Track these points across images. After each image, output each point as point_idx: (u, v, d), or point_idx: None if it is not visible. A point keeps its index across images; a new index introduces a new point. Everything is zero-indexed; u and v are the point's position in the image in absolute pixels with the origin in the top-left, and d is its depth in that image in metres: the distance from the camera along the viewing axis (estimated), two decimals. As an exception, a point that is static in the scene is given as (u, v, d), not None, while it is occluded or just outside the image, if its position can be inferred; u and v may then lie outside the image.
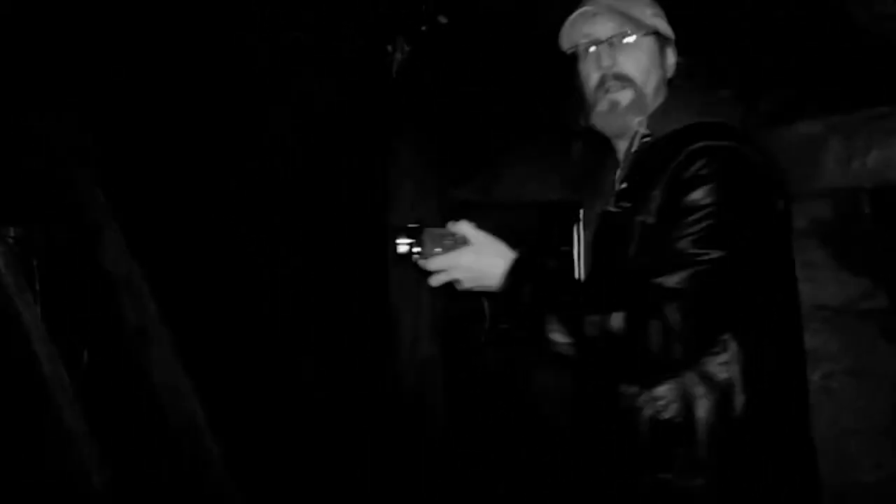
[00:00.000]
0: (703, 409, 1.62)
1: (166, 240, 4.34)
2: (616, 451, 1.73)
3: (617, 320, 1.53)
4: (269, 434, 4.27)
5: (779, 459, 1.67)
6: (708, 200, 1.57)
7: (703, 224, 1.55)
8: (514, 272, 1.66)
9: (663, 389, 1.63)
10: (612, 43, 1.80)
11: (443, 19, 4.55)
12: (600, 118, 1.83)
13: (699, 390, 1.62)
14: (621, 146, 1.87)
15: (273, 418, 4.31)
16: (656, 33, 1.83)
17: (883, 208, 2.82)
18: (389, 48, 4.69)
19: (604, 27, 1.80)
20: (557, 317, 1.60)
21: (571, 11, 1.94)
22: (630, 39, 1.80)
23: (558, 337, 1.61)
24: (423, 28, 4.62)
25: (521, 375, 3.95)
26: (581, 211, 1.92)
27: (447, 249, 1.69)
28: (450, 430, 4.34)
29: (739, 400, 1.62)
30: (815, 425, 2.85)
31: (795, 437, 1.73)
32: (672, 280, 1.52)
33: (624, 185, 1.77)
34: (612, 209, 1.77)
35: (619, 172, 1.84)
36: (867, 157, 2.71)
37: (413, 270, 1.75)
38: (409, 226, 1.72)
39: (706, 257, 1.53)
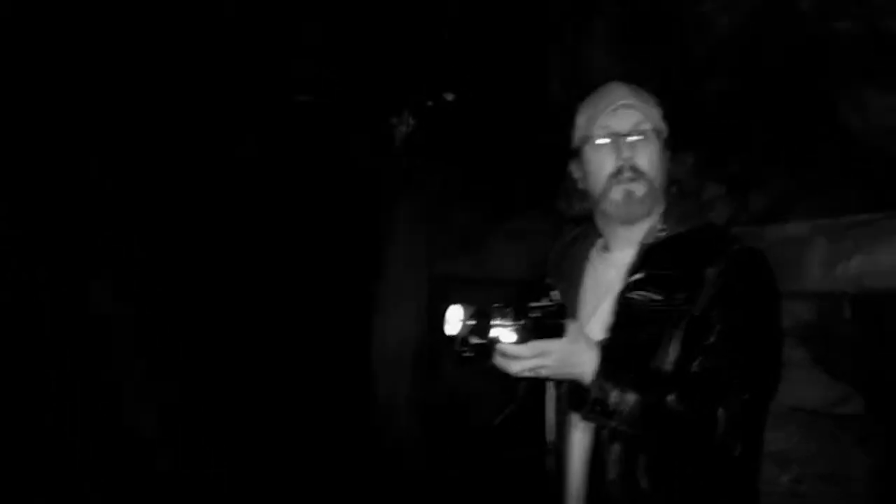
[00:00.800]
0: None
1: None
2: None
3: (691, 407, 1.66)
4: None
5: None
6: (762, 303, 1.79)
7: (762, 325, 1.77)
8: (608, 364, 1.67)
9: None
10: (631, 137, 1.89)
11: (449, 96, 4.64)
12: (614, 206, 1.90)
13: None
14: (628, 236, 1.94)
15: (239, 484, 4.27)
16: (661, 133, 1.94)
17: (863, 315, 2.83)
18: (394, 120, 4.77)
19: (624, 121, 1.90)
20: (642, 402, 1.66)
21: (566, 97, 2.03)
22: (646, 135, 1.90)
23: (634, 421, 1.66)
24: (429, 103, 4.70)
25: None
26: (555, 292, 1.94)
27: (545, 334, 1.62)
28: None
29: None
30: (783, 529, 2.85)
31: None
32: (740, 378, 1.69)
33: (641, 276, 1.84)
34: (636, 297, 1.83)
35: (629, 261, 1.90)
36: (851, 261, 2.73)
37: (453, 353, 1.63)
38: (497, 306, 1.59)
39: (766, 357, 1.76)
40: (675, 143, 1.97)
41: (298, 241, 4.73)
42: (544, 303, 1.68)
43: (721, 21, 3.14)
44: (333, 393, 4.55)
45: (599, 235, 2.03)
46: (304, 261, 4.71)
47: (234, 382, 4.46)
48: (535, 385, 1.92)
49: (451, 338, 1.62)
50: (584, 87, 2.07)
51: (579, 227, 2.12)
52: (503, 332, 1.59)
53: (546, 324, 1.62)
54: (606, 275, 1.96)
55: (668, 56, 3.28)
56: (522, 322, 1.59)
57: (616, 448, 1.79)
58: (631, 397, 1.65)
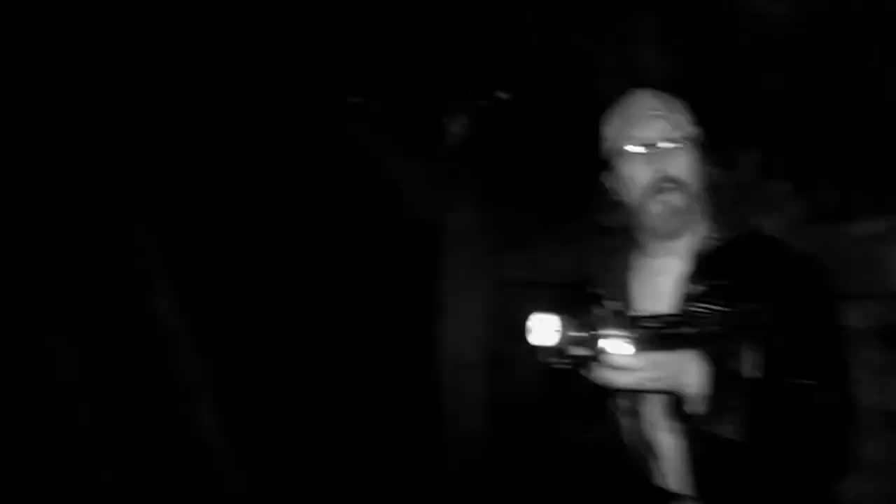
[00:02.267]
0: None
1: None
2: None
3: (797, 416, 1.68)
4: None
5: None
6: (830, 306, 1.82)
7: (835, 327, 1.81)
8: (719, 376, 1.66)
9: None
10: (663, 146, 1.87)
11: (503, 95, 4.57)
12: (653, 219, 1.89)
13: None
14: (673, 244, 1.92)
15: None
16: (694, 139, 1.93)
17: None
18: (445, 119, 4.71)
19: (654, 131, 1.89)
20: (753, 413, 1.65)
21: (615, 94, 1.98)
22: (678, 143, 1.89)
23: (747, 432, 1.63)
24: (482, 102, 4.64)
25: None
26: (604, 301, 1.92)
27: (665, 346, 1.59)
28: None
29: None
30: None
31: None
32: (832, 382, 1.73)
33: (702, 287, 1.83)
34: (700, 309, 1.80)
35: (680, 270, 1.89)
36: (934, 260, 2.61)
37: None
38: (604, 317, 1.54)
39: (844, 357, 1.78)
40: (735, 144, 1.94)
41: (359, 245, 4.73)
42: (660, 312, 1.67)
43: (775, 9, 3.03)
44: (398, 396, 4.54)
45: (639, 244, 2.00)
46: (365, 264, 4.71)
47: (299, 384, 4.49)
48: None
49: (538, 347, 1.57)
50: (633, 85, 2.02)
51: (615, 236, 2.08)
52: (617, 344, 1.53)
53: (669, 334, 1.60)
54: (655, 283, 1.94)
55: (721, 50, 3.17)
56: (637, 333, 1.54)
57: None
58: (742, 408, 1.64)
